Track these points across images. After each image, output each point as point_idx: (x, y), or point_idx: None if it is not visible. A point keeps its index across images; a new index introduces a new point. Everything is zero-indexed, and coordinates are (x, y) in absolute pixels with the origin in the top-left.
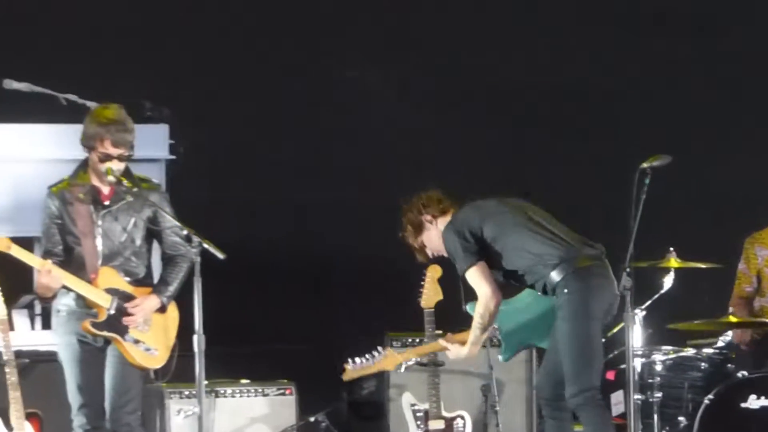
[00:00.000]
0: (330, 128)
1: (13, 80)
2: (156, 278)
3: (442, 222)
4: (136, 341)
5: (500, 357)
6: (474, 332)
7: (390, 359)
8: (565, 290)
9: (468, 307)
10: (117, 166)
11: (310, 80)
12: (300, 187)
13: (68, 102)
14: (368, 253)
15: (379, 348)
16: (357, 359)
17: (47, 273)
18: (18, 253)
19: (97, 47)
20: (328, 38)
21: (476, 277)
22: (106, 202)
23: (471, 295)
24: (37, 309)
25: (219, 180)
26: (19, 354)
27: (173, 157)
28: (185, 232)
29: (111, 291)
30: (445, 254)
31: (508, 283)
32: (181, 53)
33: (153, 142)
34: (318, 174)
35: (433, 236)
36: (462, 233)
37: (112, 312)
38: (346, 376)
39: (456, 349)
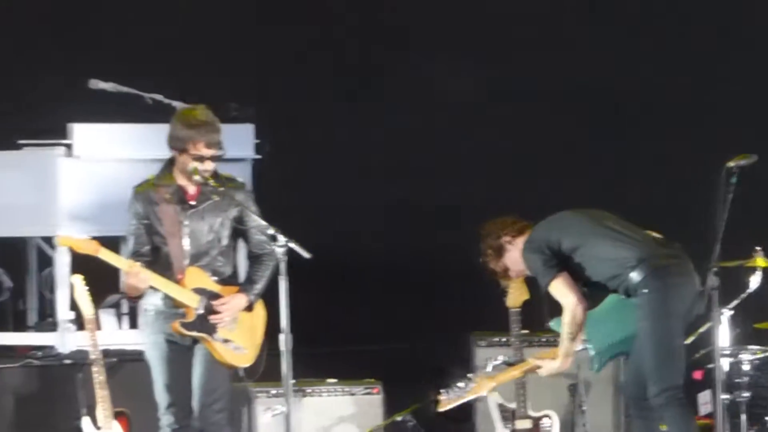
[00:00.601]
0: (412, 129)
1: (99, 80)
2: (241, 277)
3: (521, 241)
4: (225, 340)
5: (592, 368)
6: (563, 343)
7: (482, 385)
8: (645, 290)
9: (551, 324)
10: (209, 166)
11: (392, 81)
12: (388, 188)
13: (153, 102)
14: (455, 253)
15: (470, 375)
16: (450, 390)
17: (135, 275)
18: (106, 255)
19: (183, 47)
20: (407, 38)
21: (560, 288)
22: (193, 202)
23: (555, 311)
24: (124, 308)
25: (305, 179)
26: (106, 353)
27: (259, 156)
28: (271, 230)
29: (198, 291)
30: (528, 273)
31: (591, 293)
32: (267, 52)
33: (239, 141)
34: (405, 175)
35: (515, 257)
36: (541, 249)
37: (201, 312)
38: (441, 407)
39: (548, 365)
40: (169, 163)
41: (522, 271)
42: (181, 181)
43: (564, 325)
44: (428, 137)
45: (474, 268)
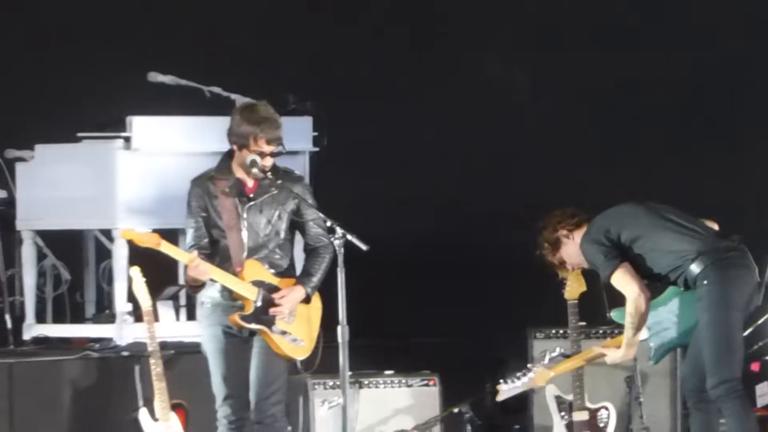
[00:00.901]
0: (476, 124)
1: (158, 73)
2: (298, 270)
3: (578, 235)
4: (283, 332)
5: (649, 361)
6: (627, 333)
7: (541, 376)
8: (705, 281)
9: (612, 315)
10: (269, 162)
11: (456, 77)
12: (446, 181)
13: (212, 94)
14: (512, 246)
15: (529, 366)
16: (509, 380)
17: (195, 267)
18: (167, 248)
19: (241, 39)
20: (471, 34)
21: (622, 279)
22: (251, 195)
23: (613, 303)
24: (182, 300)
25: (363, 172)
26: (164, 345)
27: (317, 149)
28: (328, 223)
29: (257, 283)
30: (586, 266)
31: (651, 284)
32: (325, 45)
33: (296, 134)
34: (464, 169)
35: (572, 250)
36: (601, 240)
37: (259, 304)
38: (499, 396)
39: (612, 354)
40: (228, 156)
41: (578, 264)
42: (240, 174)
43: (627, 315)
44: (484, 133)
45: (532, 260)
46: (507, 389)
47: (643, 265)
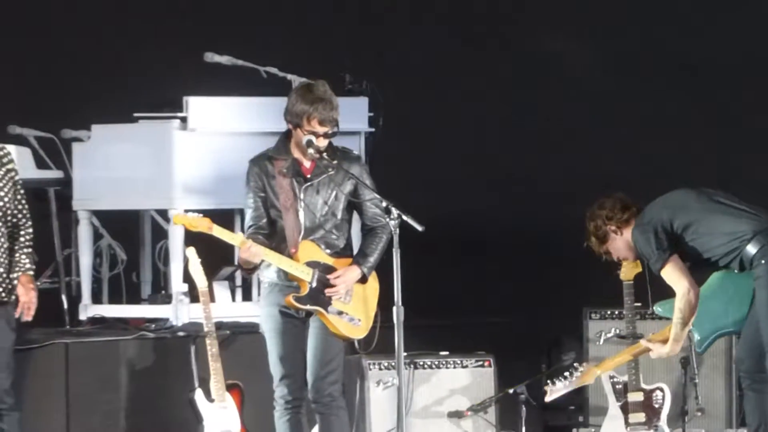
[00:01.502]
0: (532, 102)
1: (215, 53)
2: (355, 250)
3: (627, 231)
4: (340, 312)
5: (696, 349)
6: (675, 328)
7: (589, 373)
8: (763, 261)
9: (656, 308)
10: (322, 142)
11: (513, 55)
12: (501, 161)
13: (268, 75)
14: (568, 226)
15: (576, 365)
16: (557, 380)
17: (247, 249)
18: (219, 232)
19: (297, 19)
20: (530, 12)
21: (672, 273)
22: (308, 176)
23: (657, 296)
24: (238, 281)
25: (418, 153)
26: (219, 325)
27: (372, 129)
28: (384, 203)
29: (312, 264)
30: (632, 259)
31: (701, 269)
32: (382, 25)
33: (353, 114)
34: (520, 148)
35: (619, 245)
36: (654, 231)
37: (314, 285)
38: (548, 397)
39: (658, 348)
40: (286, 137)
41: (626, 257)
42: (297, 154)
43: (677, 310)
44: (537, 109)
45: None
46: (555, 389)
47: (695, 250)
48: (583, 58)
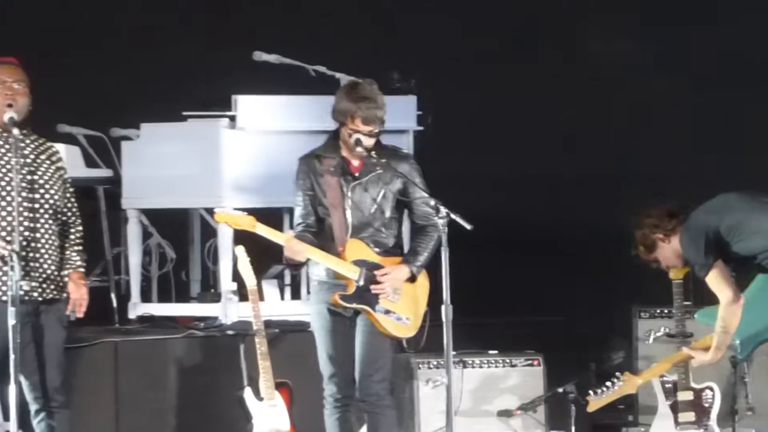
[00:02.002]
0: (578, 100)
1: (263, 52)
2: (406, 248)
3: (675, 239)
4: (387, 311)
5: (737, 356)
6: (717, 337)
7: (630, 383)
8: None
9: (697, 317)
10: (368, 141)
11: (564, 54)
12: (550, 160)
13: (317, 73)
14: (618, 226)
15: (618, 374)
16: (599, 390)
17: (291, 248)
18: (263, 230)
19: (347, 17)
20: (579, 10)
21: (716, 282)
22: (356, 174)
23: (699, 300)
24: (287, 279)
25: (466, 151)
26: (268, 324)
27: (421, 128)
28: (432, 202)
29: (359, 262)
30: (680, 266)
31: (747, 271)
32: (432, 24)
33: (401, 113)
34: (569, 148)
35: (667, 253)
36: (701, 237)
37: (361, 284)
38: (590, 408)
39: (700, 356)
40: (334, 135)
41: (674, 265)
42: (345, 153)
43: (719, 319)
44: (587, 109)
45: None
46: (597, 400)
47: (742, 252)
48: (636, 57)
